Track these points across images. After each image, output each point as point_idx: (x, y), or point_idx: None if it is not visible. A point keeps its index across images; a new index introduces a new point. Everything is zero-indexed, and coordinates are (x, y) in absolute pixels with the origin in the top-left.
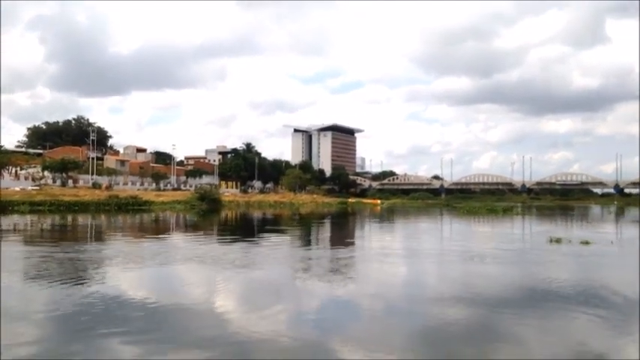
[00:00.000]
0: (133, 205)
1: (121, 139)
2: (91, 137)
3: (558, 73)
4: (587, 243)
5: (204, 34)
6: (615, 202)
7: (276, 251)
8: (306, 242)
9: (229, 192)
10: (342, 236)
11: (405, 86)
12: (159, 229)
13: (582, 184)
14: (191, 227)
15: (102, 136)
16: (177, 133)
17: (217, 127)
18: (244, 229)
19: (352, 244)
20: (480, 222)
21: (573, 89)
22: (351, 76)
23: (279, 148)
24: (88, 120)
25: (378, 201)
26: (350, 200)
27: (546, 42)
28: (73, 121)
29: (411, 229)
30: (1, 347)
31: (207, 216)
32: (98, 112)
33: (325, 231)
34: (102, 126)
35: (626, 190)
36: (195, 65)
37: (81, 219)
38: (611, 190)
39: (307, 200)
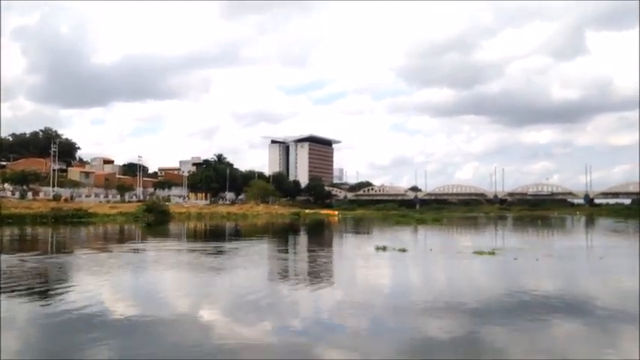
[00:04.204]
0: (73, 218)
1: (102, 150)
2: (53, 149)
3: (539, 84)
4: (404, 250)
5: (188, 44)
6: (578, 212)
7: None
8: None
9: (194, 203)
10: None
11: (388, 97)
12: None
13: (553, 194)
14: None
15: (69, 148)
16: (159, 144)
17: (200, 139)
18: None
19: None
20: (385, 231)
21: (554, 100)
22: (335, 88)
23: (262, 159)
24: (55, 131)
25: (336, 212)
26: (306, 211)
27: (527, 54)
28: (41, 133)
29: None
30: (0, 347)
31: (149, 228)
32: (80, 123)
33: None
34: (70, 137)
35: (597, 201)
36: (178, 76)
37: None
38: (581, 201)
39: (262, 211)
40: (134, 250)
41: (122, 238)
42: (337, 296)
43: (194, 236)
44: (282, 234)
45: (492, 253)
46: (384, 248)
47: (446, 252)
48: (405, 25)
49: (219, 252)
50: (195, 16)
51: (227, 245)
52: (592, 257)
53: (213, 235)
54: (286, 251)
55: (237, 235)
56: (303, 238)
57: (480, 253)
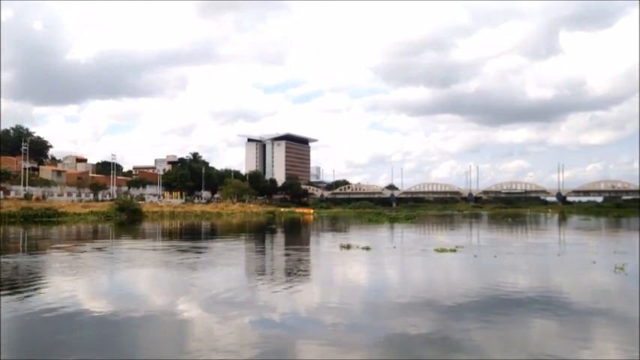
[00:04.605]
0: (42, 217)
1: (77, 148)
2: (24, 147)
3: (514, 84)
4: (367, 248)
5: (164, 42)
6: (549, 210)
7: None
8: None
9: (169, 202)
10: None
11: (366, 96)
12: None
13: (526, 192)
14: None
15: (41, 146)
16: (134, 142)
17: (177, 137)
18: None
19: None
20: (356, 230)
21: (529, 100)
22: (312, 86)
23: (239, 158)
24: (27, 129)
25: (311, 210)
26: (281, 210)
27: (503, 53)
28: (12, 131)
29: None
30: (1, 347)
31: (120, 227)
32: (54, 121)
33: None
34: (42, 135)
35: (569, 198)
36: (154, 74)
37: None
38: (554, 199)
39: (237, 210)
40: (96, 249)
41: (87, 237)
42: (290, 294)
43: (159, 235)
44: (251, 233)
45: (454, 250)
46: (348, 246)
47: (409, 250)
48: (382, 24)
49: (183, 251)
50: (172, 13)
51: (191, 244)
52: (549, 253)
53: (180, 234)
54: (249, 250)
55: (207, 234)
56: (271, 237)
57: (442, 250)
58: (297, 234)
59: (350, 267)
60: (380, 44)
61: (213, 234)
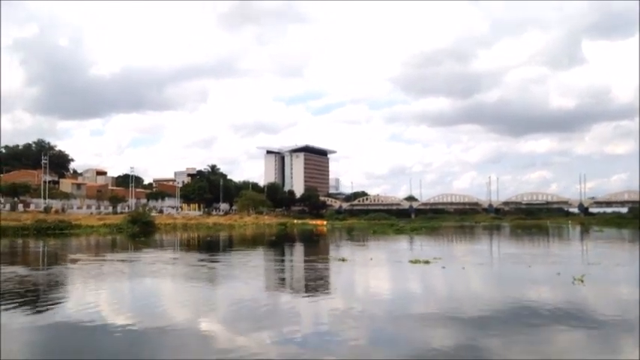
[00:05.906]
0: (55, 229)
1: (101, 162)
2: (43, 160)
3: (536, 93)
4: (344, 260)
5: (186, 56)
6: (570, 222)
7: None
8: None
9: (187, 214)
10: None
11: (386, 107)
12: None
13: (548, 203)
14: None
15: (62, 160)
16: (157, 155)
17: (199, 149)
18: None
19: None
20: (357, 242)
21: (551, 110)
22: (332, 98)
23: (260, 170)
24: (48, 143)
25: (324, 222)
26: (294, 221)
27: (524, 63)
28: (34, 145)
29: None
30: (1, 347)
31: (130, 239)
32: (79, 135)
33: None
34: (64, 149)
35: (592, 210)
36: (176, 87)
37: None
38: (576, 210)
39: (250, 222)
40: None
41: (89, 250)
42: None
43: (151, 247)
44: (246, 246)
45: (427, 262)
46: (327, 258)
47: (384, 261)
48: (401, 35)
49: (161, 261)
50: (193, 27)
51: (170, 255)
52: (521, 265)
53: (176, 246)
54: (223, 263)
55: (196, 247)
56: (264, 249)
57: (416, 261)
58: (292, 246)
59: (315, 280)
60: (399, 55)
61: (208, 247)
